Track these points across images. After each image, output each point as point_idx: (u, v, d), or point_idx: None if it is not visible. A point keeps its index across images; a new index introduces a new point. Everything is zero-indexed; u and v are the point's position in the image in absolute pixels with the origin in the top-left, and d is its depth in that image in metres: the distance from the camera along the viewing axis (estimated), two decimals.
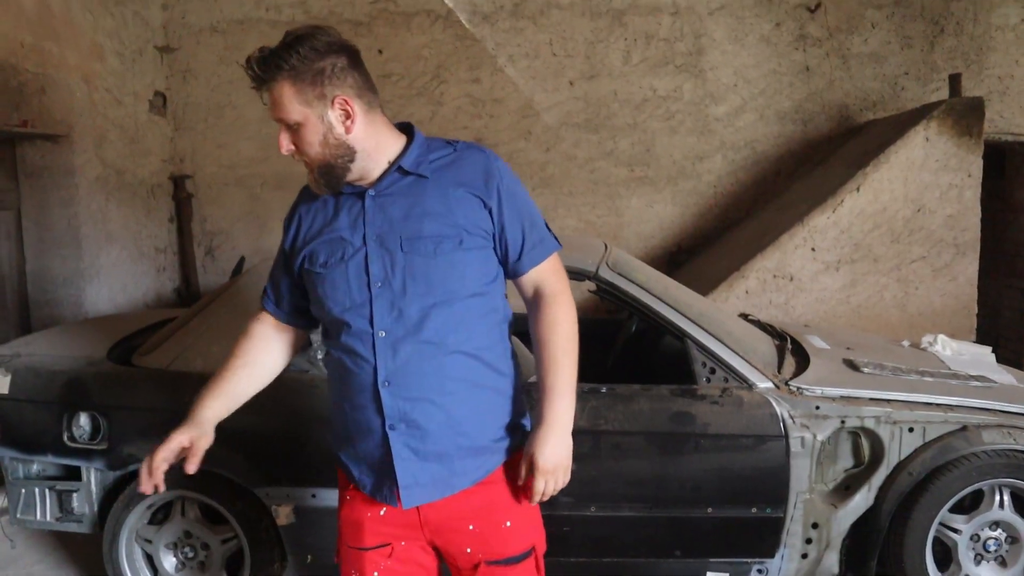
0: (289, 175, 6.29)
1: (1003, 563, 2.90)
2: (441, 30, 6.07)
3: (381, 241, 1.68)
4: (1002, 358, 3.62)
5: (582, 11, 6.07)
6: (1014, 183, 6.24)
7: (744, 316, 3.87)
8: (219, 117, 6.32)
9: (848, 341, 3.54)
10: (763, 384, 2.80)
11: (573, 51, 6.11)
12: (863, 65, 6.05)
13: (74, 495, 2.98)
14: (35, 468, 3.04)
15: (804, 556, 2.82)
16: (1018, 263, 6.15)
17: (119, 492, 2.93)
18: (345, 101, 1.64)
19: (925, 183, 4.92)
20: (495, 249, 1.74)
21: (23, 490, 3.02)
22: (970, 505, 2.88)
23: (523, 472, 1.72)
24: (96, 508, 2.98)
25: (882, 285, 4.98)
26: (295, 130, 1.67)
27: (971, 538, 2.87)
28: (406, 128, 1.79)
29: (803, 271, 4.93)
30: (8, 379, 2.96)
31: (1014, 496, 2.86)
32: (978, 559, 2.89)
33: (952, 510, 2.84)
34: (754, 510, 2.75)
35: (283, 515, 2.81)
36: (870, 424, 2.77)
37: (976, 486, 2.80)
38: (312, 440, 2.78)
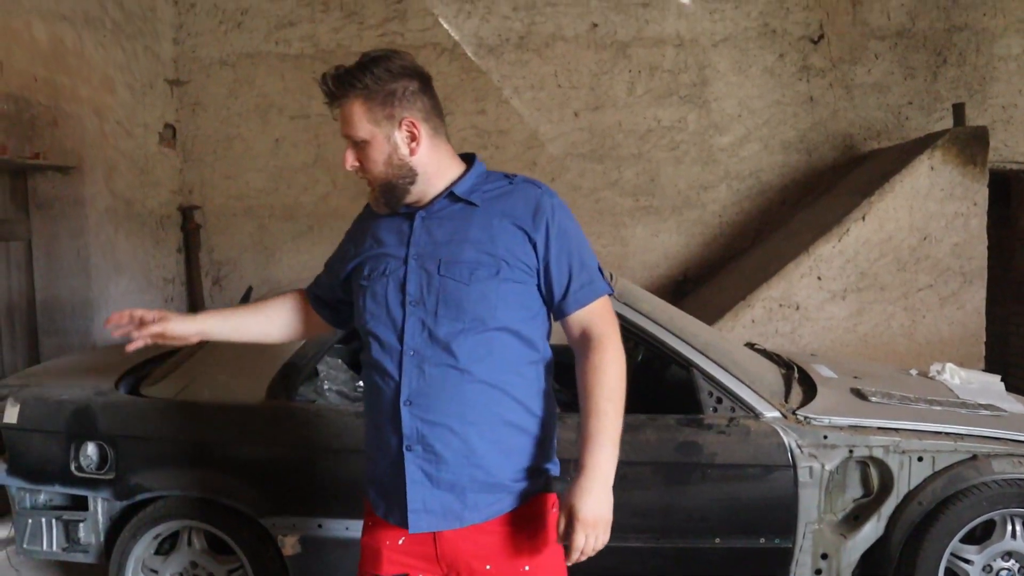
0: (296, 206, 6.36)
1: None
2: (447, 62, 6.15)
3: (421, 261, 1.69)
4: (1011, 386, 3.60)
5: (587, 43, 6.14)
6: (1019, 211, 6.25)
7: (750, 345, 3.86)
8: (228, 149, 6.39)
9: (855, 370, 3.53)
10: (770, 413, 2.79)
11: (578, 82, 6.17)
12: (867, 95, 6.09)
13: (80, 525, 2.98)
14: (42, 498, 3.04)
15: None
16: None
17: (126, 522, 2.93)
18: (412, 124, 1.68)
19: (931, 212, 4.93)
20: (539, 286, 1.73)
21: (30, 520, 3.01)
22: (982, 535, 2.85)
23: (561, 525, 1.63)
24: (102, 538, 2.97)
25: (889, 314, 4.97)
26: (361, 147, 1.70)
27: (984, 569, 2.84)
28: (469, 158, 1.82)
29: (809, 300, 4.93)
30: (17, 409, 2.96)
31: None
32: None
33: (964, 540, 2.81)
34: (762, 540, 2.73)
35: (289, 545, 2.80)
36: (879, 453, 2.75)
37: (987, 516, 2.77)
38: (318, 470, 2.78)
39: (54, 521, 3.00)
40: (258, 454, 2.81)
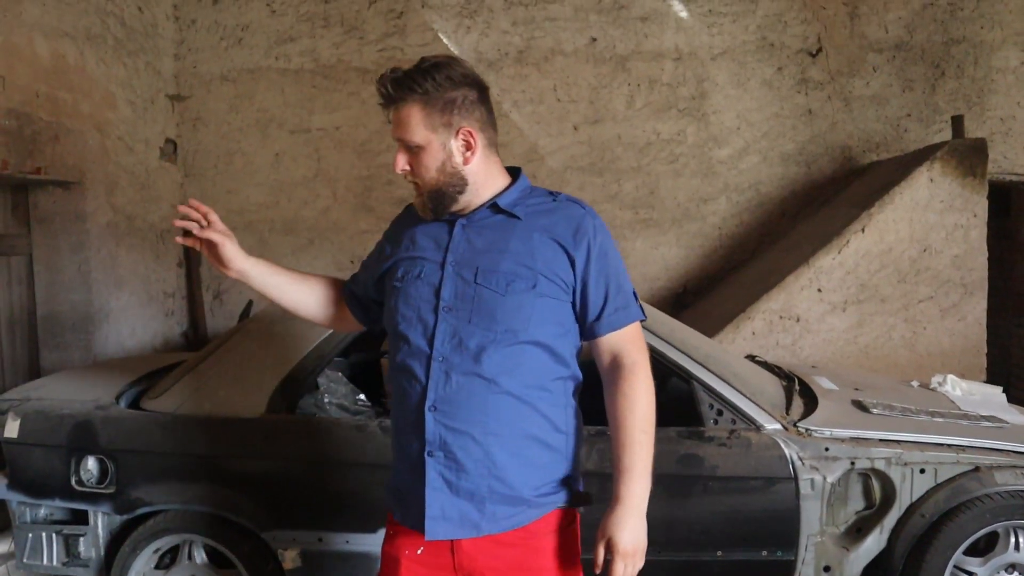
0: (297, 220, 6.37)
1: None
2: None
3: (458, 268, 1.70)
4: (1013, 398, 3.59)
5: (586, 57, 6.17)
6: (1019, 223, 6.26)
7: (751, 357, 3.86)
8: (228, 164, 6.41)
9: (856, 382, 3.52)
10: (771, 426, 2.78)
11: (577, 96, 6.20)
12: (865, 107, 6.11)
13: (81, 539, 2.97)
14: (42, 512, 3.03)
15: None
16: None
17: (126, 536, 2.92)
18: (469, 133, 1.69)
19: (930, 223, 4.94)
20: (573, 304, 1.73)
21: (30, 534, 3.01)
22: (985, 547, 2.84)
23: (600, 554, 1.68)
24: (103, 552, 2.97)
25: (890, 325, 4.97)
26: (414, 152, 1.70)
27: None
28: (515, 171, 1.83)
29: (810, 312, 4.93)
30: (17, 423, 2.96)
31: None
32: None
33: (967, 552, 2.80)
34: (764, 553, 2.73)
35: (289, 559, 2.79)
36: (880, 465, 2.75)
37: (990, 528, 2.77)
38: (319, 484, 2.78)
39: (54, 535, 2.99)
40: (258, 468, 2.81)
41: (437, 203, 1.73)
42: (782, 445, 2.72)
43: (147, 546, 2.87)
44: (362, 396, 3.24)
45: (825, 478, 2.71)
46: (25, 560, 3.03)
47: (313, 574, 2.80)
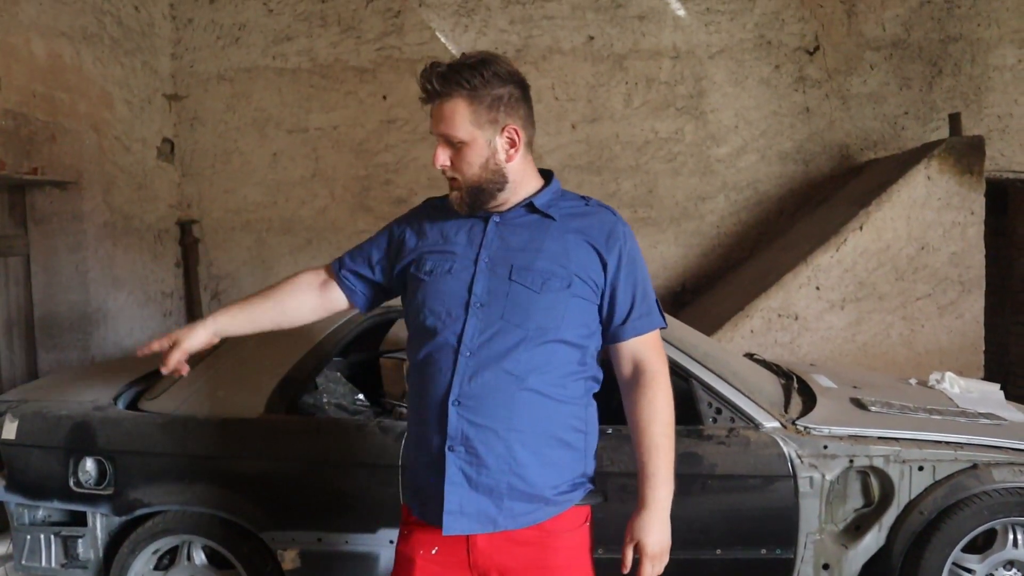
0: (295, 219, 6.36)
1: None
2: None
3: (492, 265, 1.70)
4: (1011, 395, 3.60)
5: (584, 56, 6.16)
6: (1017, 220, 6.27)
7: (750, 356, 3.87)
8: (226, 163, 6.40)
9: (855, 380, 3.53)
10: (770, 424, 2.79)
11: (575, 95, 6.19)
12: (863, 105, 6.11)
13: (79, 541, 2.97)
14: (40, 514, 3.03)
15: None
16: None
17: (125, 538, 2.92)
18: (515, 131, 1.71)
19: (928, 221, 4.94)
20: (600, 307, 1.75)
21: (28, 536, 3.00)
22: (983, 544, 2.84)
23: (628, 556, 1.74)
24: (101, 554, 2.96)
25: (888, 323, 4.97)
26: (457, 148, 1.70)
27: None
28: (548, 174, 1.84)
29: (808, 310, 4.93)
30: (15, 424, 2.96)
31: None
32: None
33: (965, 549, 2.80)
34: (763, 551, 2.73)
35: (289, 559, 2.79)
36: (879, 463, 2.75)
37: (989, 525, 2.77)
38: (318, 484, 2.77)
39: (53, 537, 2.99)
40: (257, 468, 2.81)
41: (475, 199, 1.73)
42: (781, 443, 2.72)
43: (146, 547, 2.87)
44: (361, 396, 3.24)
45: (824, 476, 2.71)
46: (23, 562, 3.03)
47: (312, 574, 2.80)
